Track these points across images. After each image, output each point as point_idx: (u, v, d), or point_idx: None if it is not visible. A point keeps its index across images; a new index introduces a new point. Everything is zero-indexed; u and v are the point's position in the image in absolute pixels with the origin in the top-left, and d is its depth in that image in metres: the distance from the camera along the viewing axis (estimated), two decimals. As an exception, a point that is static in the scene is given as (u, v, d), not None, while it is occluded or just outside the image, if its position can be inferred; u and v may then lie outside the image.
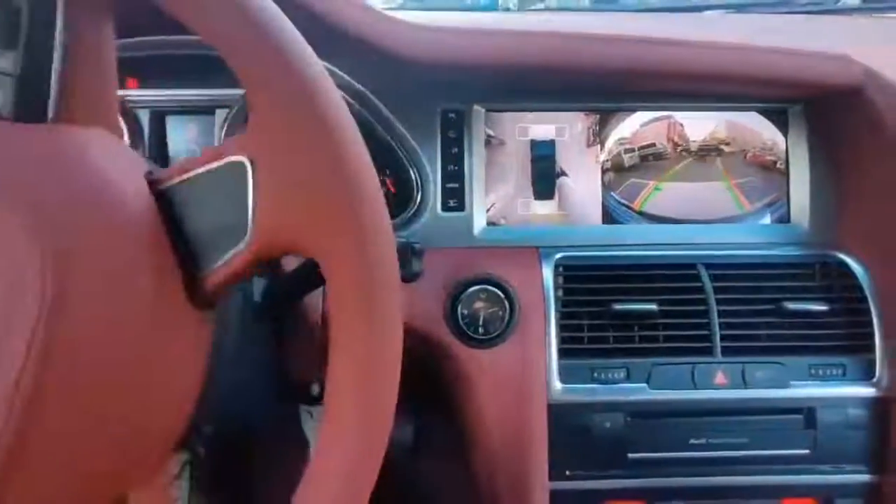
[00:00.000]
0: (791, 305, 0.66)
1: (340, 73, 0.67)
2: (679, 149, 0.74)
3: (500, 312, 0.64)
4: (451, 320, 0.64)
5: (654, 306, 0.65)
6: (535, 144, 0.74)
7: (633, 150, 0.74)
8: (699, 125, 0.74)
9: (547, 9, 1.00)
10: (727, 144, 0.74)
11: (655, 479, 0.65)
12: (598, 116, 0.74)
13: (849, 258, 0.69)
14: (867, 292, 0.67)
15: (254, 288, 0.50)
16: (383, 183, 0.69)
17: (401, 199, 0.71)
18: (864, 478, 0.66)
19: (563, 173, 0.74)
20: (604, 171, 0.74)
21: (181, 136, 0.72)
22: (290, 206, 0.32)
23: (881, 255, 0.68)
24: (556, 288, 0.66)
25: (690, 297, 0.66)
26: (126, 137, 0.69)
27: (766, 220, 0.75)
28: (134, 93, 0.70)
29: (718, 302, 0.65)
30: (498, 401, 0.64)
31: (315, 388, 0.63)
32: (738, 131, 0.75)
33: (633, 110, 0.74)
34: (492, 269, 0.65)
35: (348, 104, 0.39)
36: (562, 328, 0.65)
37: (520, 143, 0.74)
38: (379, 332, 0.32)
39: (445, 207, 0.72)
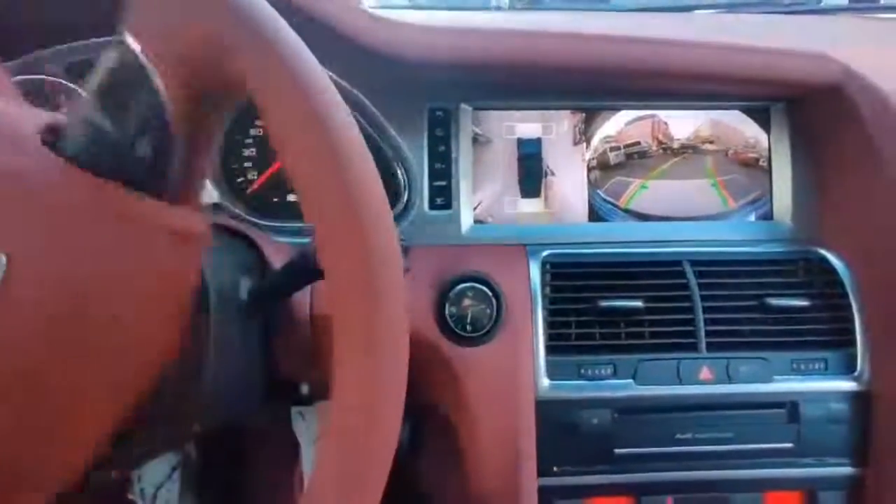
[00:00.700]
0: (774, 301, 0.66)
1: (327, 71, 0.67)
2: (664, 147, 0.75)
3: (488, 310, 0.64)
4: (438, 318, 0.64)
5: (639, 303, 0.66)
6: (521, 143, 0.74)
7: (618, 149, 0.75)
8: (683, 123, 0.75)
9: (534, 8, 1.01)
10: (711, 142, 0.75)
11: (642, 475, 0.66)
12: (583, 115, 0.74)
13: (830, 254, 0.70)
14: (848, 288, 0.68)
15: (240, 286, 0.50)
16: None
17: (388, 198, 0.71)
18: (847, 470, 0.67)
19: (550, 171, 0.74)
20: (590, 170, 0.75)
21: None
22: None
23: (862, 252, 0.69)
24: (543, 285, 0.67)
25: (676, 293, 0.67)
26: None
27: (751, 217, 0.76)
28: None
29: (703, 298, 0.66)
30: (486, 398, 0.64)
31: (304, 388, 0.63)
32: (721, 129, 0.75)
33: (618, 109, 0.75)
34: (479, 267, 0.66)
35: None
36: (549, 325, 0.65)
37: (507, 142, 0.74)
38: (385, 333, 0.32)
39: (433, 205, 0.72)
